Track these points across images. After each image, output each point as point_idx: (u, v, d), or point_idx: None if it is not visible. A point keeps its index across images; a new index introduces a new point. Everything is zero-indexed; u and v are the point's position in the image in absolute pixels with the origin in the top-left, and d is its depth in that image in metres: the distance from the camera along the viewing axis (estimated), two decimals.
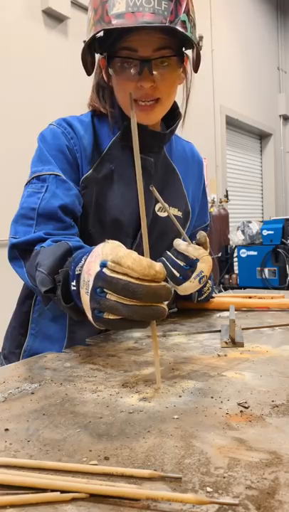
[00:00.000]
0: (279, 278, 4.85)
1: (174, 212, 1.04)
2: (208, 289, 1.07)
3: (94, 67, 0.94)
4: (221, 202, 5.49)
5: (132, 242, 0.97)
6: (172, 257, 0.90)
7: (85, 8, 3.40)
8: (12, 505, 0.35)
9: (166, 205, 0.79)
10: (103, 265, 0.57)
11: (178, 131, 1.06)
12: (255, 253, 5.01)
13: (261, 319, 1.01)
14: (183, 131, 1.04)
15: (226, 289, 4.81)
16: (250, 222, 5.24)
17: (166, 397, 0.57)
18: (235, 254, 5.28)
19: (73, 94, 2.57)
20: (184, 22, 0.81)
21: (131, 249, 0.74)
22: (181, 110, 1.01)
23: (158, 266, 0.56)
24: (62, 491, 0.36)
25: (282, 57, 7.77)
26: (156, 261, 0.58)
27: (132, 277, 0.55)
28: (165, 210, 1.02)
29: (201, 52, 0.89)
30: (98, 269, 0.58)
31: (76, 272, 0.65)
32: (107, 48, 0.90)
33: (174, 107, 1.00)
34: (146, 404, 0.55)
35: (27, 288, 1.01)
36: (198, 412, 0.52)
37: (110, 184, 0.96)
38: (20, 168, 1.67)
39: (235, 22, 6.19)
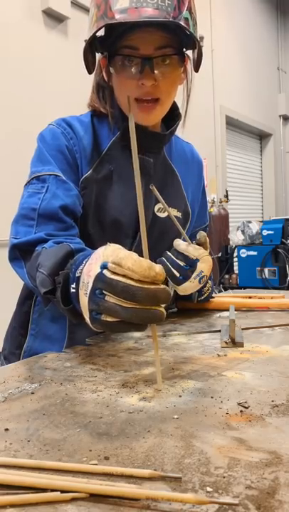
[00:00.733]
0: (279, 278, 4.85)
1: (174, 212, 1.04)
2: (208, 290, 1.07)
3: (95, 66, 0.94)
4: (220, 202, 5.49)
5: (132, 243, 0.97)
6: (172, 257, 0.90)
7: (84, 8, 3.40)
8: (12, 505, 0.35)
9: (166, 205, 0.79)
10: (103, 267, 0.58)
11: (178, 132, 1.06)
12: (255, 253, 5.01)
13: (261, 319, 1.01)
14: (183, 131, 1.04)
15: (225, 289, 4.81)
16: (250, 222, 5.24)
17: (166, 397, 0.57)
18: (235, 254, 5.28)
19: (73, 94, 2.57)
20: (186, 19, 0.81)
21: (130, 249, 0.74)
22: (182, 110, 1.01)
23: (158, 267, 0.56)
24: (63, 491, 0.36)
25: (282, 57, 7.77)
26: (155, 262, 0.58)
27: (131, 279, 0.55)
28: (165, 211, 1.02)
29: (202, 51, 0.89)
30: (98, 270, 0.58)
31: (76, 275, 0.65)
32: (109, 47, 0.90)
33: (174, 107, 1.00)
34: (147, 404, 0.55)
35: (27, 288, 1.01)
36: (198, 412, 0.52)
37: (110, 184, 0.96)
38: (20, 168, 1.66)
39: (234, 22, 6.19)
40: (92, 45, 0.89)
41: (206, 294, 1.07)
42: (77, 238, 0.86)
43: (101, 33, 0.86)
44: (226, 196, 5.62)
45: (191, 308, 1.12)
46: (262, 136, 7.43)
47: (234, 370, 0.67)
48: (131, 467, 0.40)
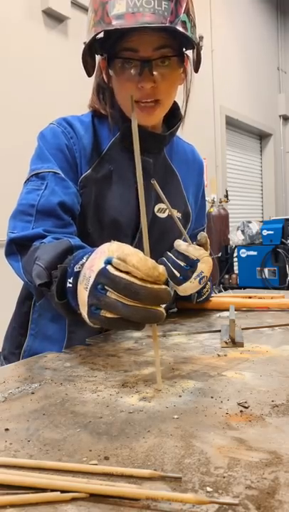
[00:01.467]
0: (279, 278, 4.85)
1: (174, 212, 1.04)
2: (208, 291, 1.07)
3: (94, 68, 0.94)
4: (220, 202, 5.49)
5: (131, 243, 0.97)
6: (173, 257, 0.90)
7: (85, 9, 3.40)
8: (12, 505, 0.35)
9: (167, 201, 0.78)
10: (108, 262, 0.57)
11: (178, 132, 1.06)
12: (255, 253, 5.01)
13: (261, 319, 1.01)
14: (183, 131, 1.04)
15: (225, 289, 4.81)
16: (250, 222, 5.24)
17: (166, 397, 0.57)
18: (235, 254, 5.28)
19: (73, 94, 2.57)
20: (184, 22, 0.81)
21: None
22: (181, 111, 1.01)
23: (161, 268, 0.56)
24: (63, 491, 0.36)
25: (282, 58, 7.77)
26: (156, 262, 0.58)
27: (134, 277, 0.55)
28: (164, 211, 1.02)
29: (201, 52, 0.89)
30: (102, 265, 0.57)
31: (75, 270, 0.64)
32: (108, 49, 0.90)
33: (175, 106, 1.00)
34: (146, 404, 0.55)
35: (27, 289, 1.01)
36: (198, 412, 0.52)
37: (109, 184, 0.96)
38: (20, 168, 1.66)
39: (234, 22, 6.19)
40: (91, 48, 0.89)
41: (205, 295, 1.07)
42: (75, 237, 0.86)
43: (100, 35, 0.86)
44: (226, 196, 5.62)
45: (191, 308, 1.12)
46: (262, 136, 7.43)
47: (234, 370, 0.67)
48: (131, 467, 0.40)
